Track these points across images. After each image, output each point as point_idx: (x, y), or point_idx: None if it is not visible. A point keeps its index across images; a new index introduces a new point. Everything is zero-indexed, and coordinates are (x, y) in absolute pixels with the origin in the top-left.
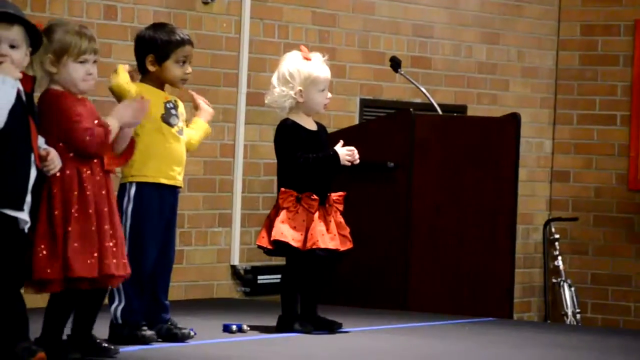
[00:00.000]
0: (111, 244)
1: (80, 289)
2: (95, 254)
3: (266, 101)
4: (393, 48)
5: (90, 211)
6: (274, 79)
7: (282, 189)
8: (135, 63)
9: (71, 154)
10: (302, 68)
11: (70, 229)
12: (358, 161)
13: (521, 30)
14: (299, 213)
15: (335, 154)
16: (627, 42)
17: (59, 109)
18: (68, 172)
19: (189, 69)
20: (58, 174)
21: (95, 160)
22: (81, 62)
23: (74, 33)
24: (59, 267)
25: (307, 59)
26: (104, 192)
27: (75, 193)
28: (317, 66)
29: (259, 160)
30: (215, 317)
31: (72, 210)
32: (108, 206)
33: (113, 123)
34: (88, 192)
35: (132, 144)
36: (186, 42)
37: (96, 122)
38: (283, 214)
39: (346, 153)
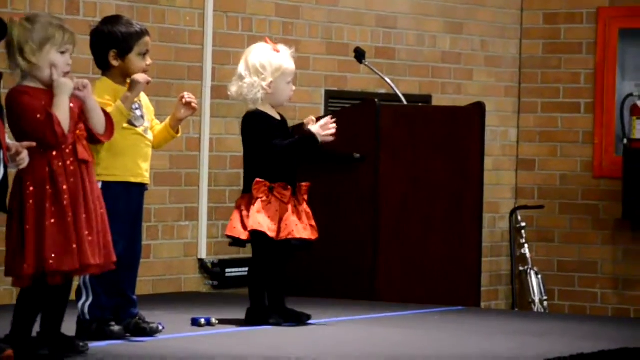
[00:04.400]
0: (87, 232)
1: (54, 282)
2: (74, 246)
3: (230, 93)
4: (357, 39)
5: (65, 203)
6: (242, 70)
7: (257, 179)
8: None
9: (41, 149)
10: (273, 59)
11: (46, 223)
12: (334, 131)
13: (484, 19)
14: (272, 203)
15: (312, 133)
16: (589, 29)
17: (18, 109)
18: (39, 167)
19: (149, 60)
20: (30, 170)
21: (67, 151)
22: (62, 52)
23: (57, 25)
24: (29, 263)
25: (277, 50)
26: (80, 182)
27: (48, 187)
28: (286, 58)
29: (225, 153)
30: (183, 311)
31: (47, 205)
32: (84, 196)
33: (60, 100)
34: (62, 186)
35: (109, 119)
36: (145, 33)
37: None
38: (257, 204)
39: (320, 131)
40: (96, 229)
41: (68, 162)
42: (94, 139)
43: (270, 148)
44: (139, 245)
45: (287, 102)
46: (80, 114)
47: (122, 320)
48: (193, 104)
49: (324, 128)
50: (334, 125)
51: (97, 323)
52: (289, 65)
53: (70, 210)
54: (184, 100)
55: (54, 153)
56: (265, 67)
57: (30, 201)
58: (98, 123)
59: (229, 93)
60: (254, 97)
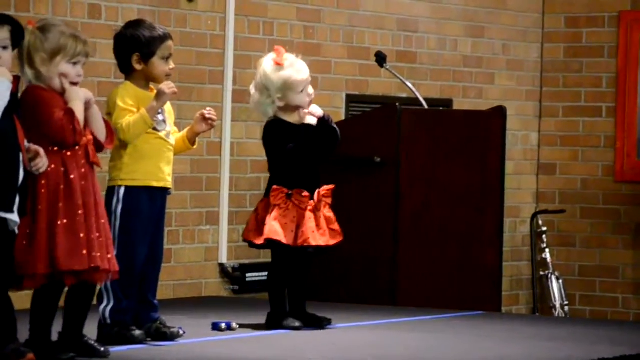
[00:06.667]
0: (97, 235)
1: (66, 283)
2: (84, 247)
3: (250, 106)
4: (378, 43)
5: (79, 202)
6: (252, 87)
7: (274, 187)
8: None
9: (55, 148)
10: (274, 78)
11: (58, 223)
12: (321, 112)
13: (506, 23)
14: (290, 209)
15: (304, 125)
16: (611, 33)
17: (36, 103)
18: (53, 166)
19: (172, 64)
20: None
21: (80, 152)
22: (74, 63)
23: (70, 36)
24: (41, 262)
25: (279, 64)
26: (90, 184)
27: (62, 187)
28: (290, 71)
29: (246, 157)
30: (204, 316)
31: (60, 205)
32: (94, 198)
33: (75, 105)
34: (74, 185)
35: (109, 127)
36: (168, 37)
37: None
38: (274, 212)
39: (307, 120)
40: (104, 234)
41: (81, 164)
42: (98, 147)
43: (285, 154)
44: (160, 249)
45: (307, 107)
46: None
47: (143, 324)
48: (211, 122)
49: (309, 114)
50: (316, 108)
51: (118, 327)
52: (296, 76)
53: (82, 211)
54: (204, 115)
55: (69, 153)
56: (268, 86)
57: (44, 200)
58: (99, 130)
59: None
60: (265, 112)
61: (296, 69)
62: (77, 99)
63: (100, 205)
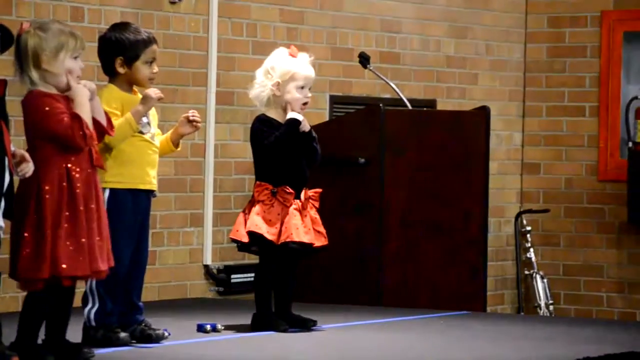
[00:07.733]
0: (98, 238)
1: (64, 285)
2: (86, 252)
3: (250, 96)
4: (362, 44)
5: (81, 208)
6: (257, 72)
7: (258, 182)
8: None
9: (60, 153)
10: (284, 62)
11: (61, 229)
12: (307, 127)
13: (489, 23)
14: (274, 206)
15: (290, 119)
16: (594, 33)
17: (43, 109)
18: (58, 171)
19: (156, 68)
20: (48, 174)
21: (84, 157)
22: (75, 57)
23: (68, 33)
24: (45, 267)
25: (293, 55)
26: (92, 188)
27: (65, 193)
28: (300, 63)
29: (230, 159)
30: (189, 317)
31: (63, 211)
32: (96, 202)
33: (82, 107)
34: (78, 191)
35: (108, 116)
36: (153, 41)
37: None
38: (258, 207)
39: (292, 115)
40: (104, 235)
41: (84, 167)
42: (100, 134)
43: (265, 147)
44: (145, 251)
45: (301, 108)
46: None
47: (128, 326)
48: (196, 124)
49: (297, 111)
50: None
51: (103, 330)
52: (302, 70)
53: (84, 216)
54: (189, 118)
55: (73, 158)
56: (275, 68)
57: (49, 206)
58: (102, 117)
59: (250, 96)
60: (260, 97)
61: (305, 65)
62: (83, 96)
63: (101, 209)
